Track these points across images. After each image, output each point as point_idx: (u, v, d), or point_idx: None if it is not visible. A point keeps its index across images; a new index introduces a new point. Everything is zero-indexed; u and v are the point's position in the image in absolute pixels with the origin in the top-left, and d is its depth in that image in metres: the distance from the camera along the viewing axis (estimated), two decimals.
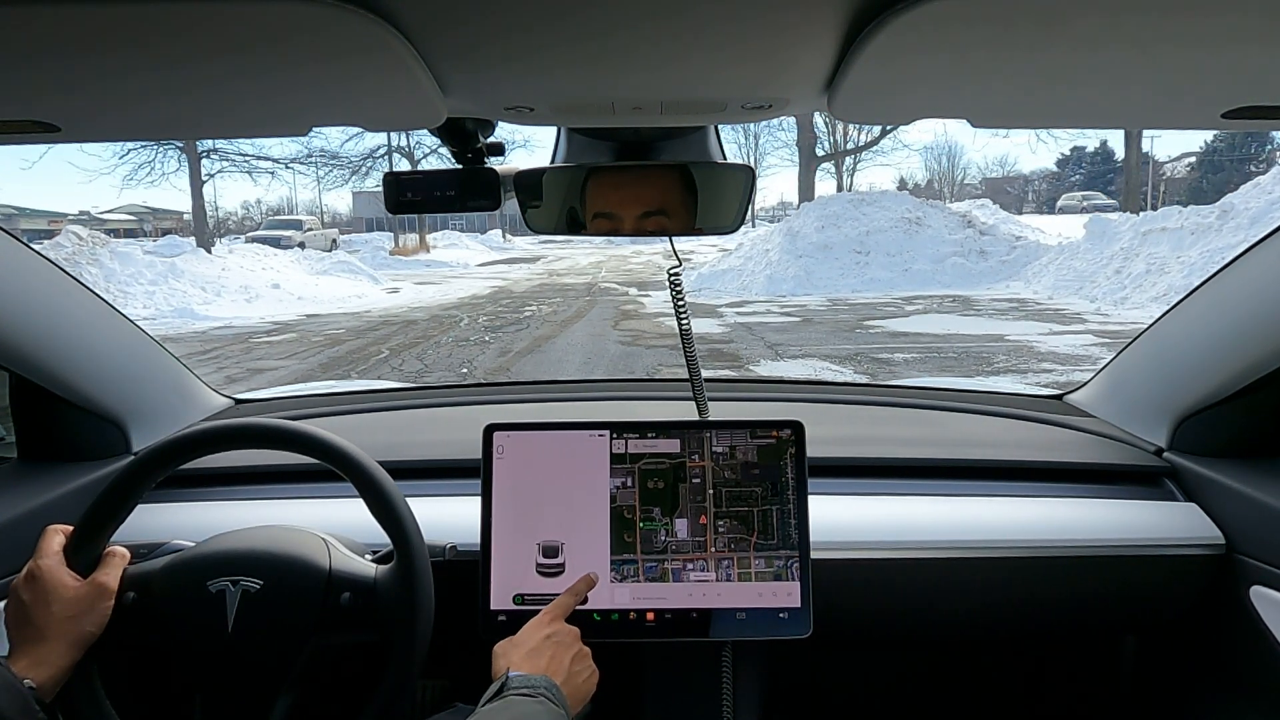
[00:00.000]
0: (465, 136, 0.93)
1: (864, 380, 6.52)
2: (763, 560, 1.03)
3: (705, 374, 1.23)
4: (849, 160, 31.99)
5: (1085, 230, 13.24)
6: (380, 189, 0.99)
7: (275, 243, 20.51)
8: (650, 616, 1.02)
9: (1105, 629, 1.31)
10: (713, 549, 1.03)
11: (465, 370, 7.46)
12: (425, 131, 0.83)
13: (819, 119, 22.13)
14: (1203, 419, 1.22)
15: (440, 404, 1.58)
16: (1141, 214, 13.47)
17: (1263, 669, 1.07)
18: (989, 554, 1.12)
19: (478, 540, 1.04)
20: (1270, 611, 1.06)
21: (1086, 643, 1.40)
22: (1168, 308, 1.28)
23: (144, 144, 21.04)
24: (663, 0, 0.50)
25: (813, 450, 1.07)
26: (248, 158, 23.24)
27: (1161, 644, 1.29)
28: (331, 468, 0.92)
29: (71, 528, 0.90)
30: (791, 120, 21.41)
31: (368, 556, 0.97)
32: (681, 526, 1.04)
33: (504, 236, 35.00)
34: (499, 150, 0.99)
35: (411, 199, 0.97)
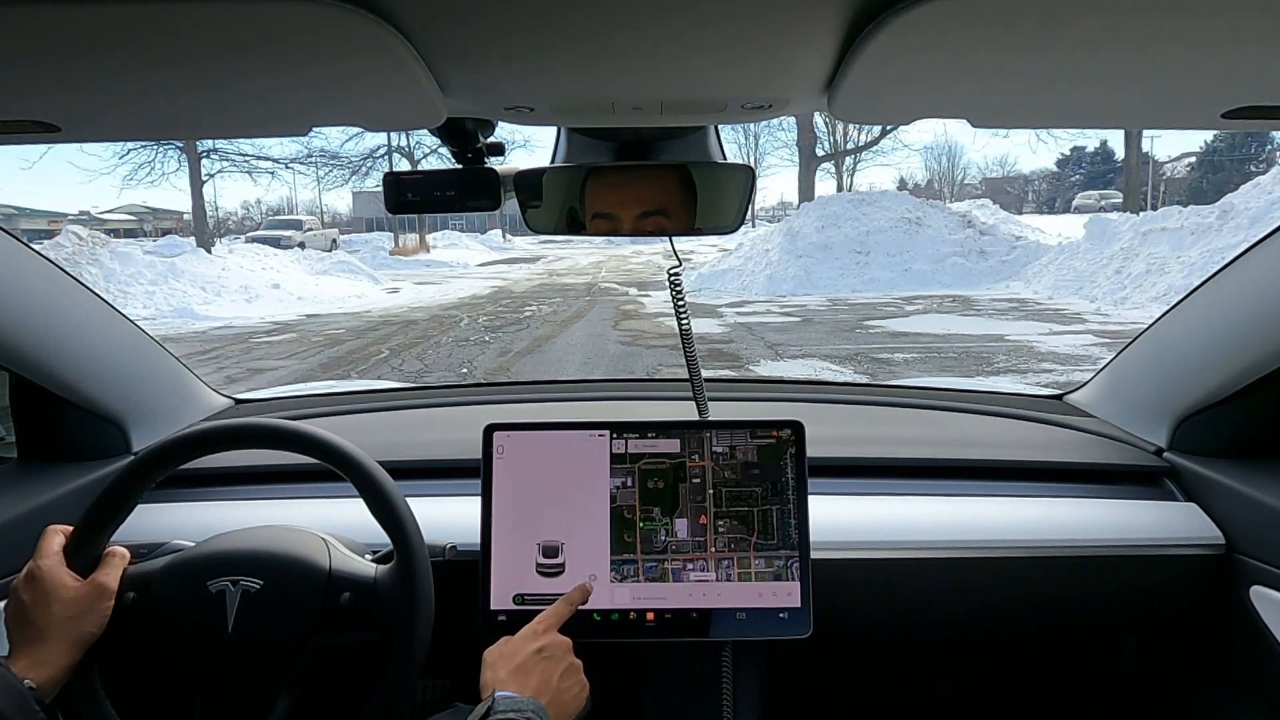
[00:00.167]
0: (465, 136, 0.93)
1: (864, 380, 6.52)
2: (763, 560, 1.03)
3: (705, 374, 1.23)
4: (849, 160, 32.00)
5: (1085, 230, 13.24)
6: (380, 189, 0.99)
7: (275, 243, 20.51)
8: (650, 616, 1.02)
9: (1105, 629, 1.31)
10: (713, 549, 1.03)
11: (465, 370, 7.46)
12: (425, 131, 0.83)
13: (819, 119, 22.15)
14: (1203, 419, 1.22)
15: (440, 404, 1.58)
16: (1141, 214, 13.47)
17: (1263, 669, 1.07)
18: (989, 554, 1.12)
19: (478, 540, 1.04)
20: (1270, 611, 1.06)
21: (1086, 643, 1.40)
22: (1168, 308, 1.28)
23: (144, 144, 21.04)
24: (663, 0, 0.50)
25: (813, 450, 1.07)
26: (248, 158, 23.25)
27: (1161, 644, 1.29)
28: (331, 468, 0.92)
29: (71, 528, 0.90)
30: (791, 120, 21.41)
31: (368, 556, 0.97)
32: (681, 526, 1.04)
33: (504, 236, 35.00)
34: (499, 150, 0.99)
35: (411, 199, 0.97)
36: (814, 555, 1.03)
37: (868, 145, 28.86)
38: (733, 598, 1.02)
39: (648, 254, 23.05)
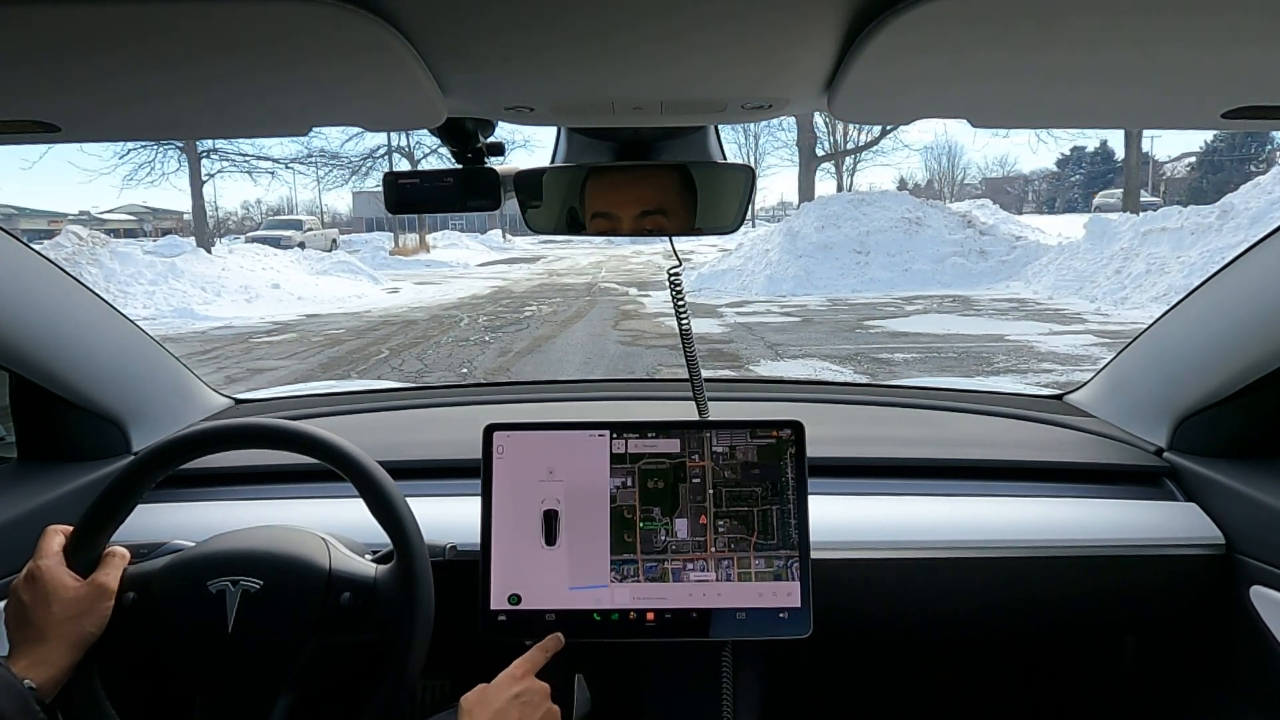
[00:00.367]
0: (465, 136, 0.93)
1: (864, 380, 6.52)
2: (763, 560, 1.03)
3: (705, 374, 1.23)
4: (849, 160, 32.01)
5: (1085, 230, 13.24)
6: (380, 189, 0.99)
7: (275, 243, 20.50)
8: (650, 616, 1.02)
9: (1105, 629, 1.31)
10: (713, 549, 1.03)
11: (465, 370, 7.46)
12: (425, 131, 0.83)
13: (819, 119, 22.15)
14: (1203, 419, 1.22)
15: (440, 404, 1.58)
16: (1141, 214, 13.47)
17: (1263, 669, 1.07)
18: (989, 554, 1.12)
19: (478, 540, 1.04)
20: (1270, 611, 1.06)
21: (1086, 643, 1.40)
22: (1168, 308, 1.28)
23: (144, 144, 21.04)
24: (662, 0, 0.50)
25: (813, 450, 1.07)
26: (248, 158, 23.26)
27: (1161, 644, 1.29)
28: (331, 468, 0.92)
29: (71, 528, 0.90)
30: (791, 120, 21.42)
31: (368, 556, 0.97)
32: (681, 526, 1.04)
33: (504, 236, 35.00)
34: (499, 150, 0.99)
35: (411, 199, 0.97)
36: (814, 555, 1.03)
37: (868, 145, 28.87)
38: (733, 598, 1.02)
39: (648, 254, 23.06)
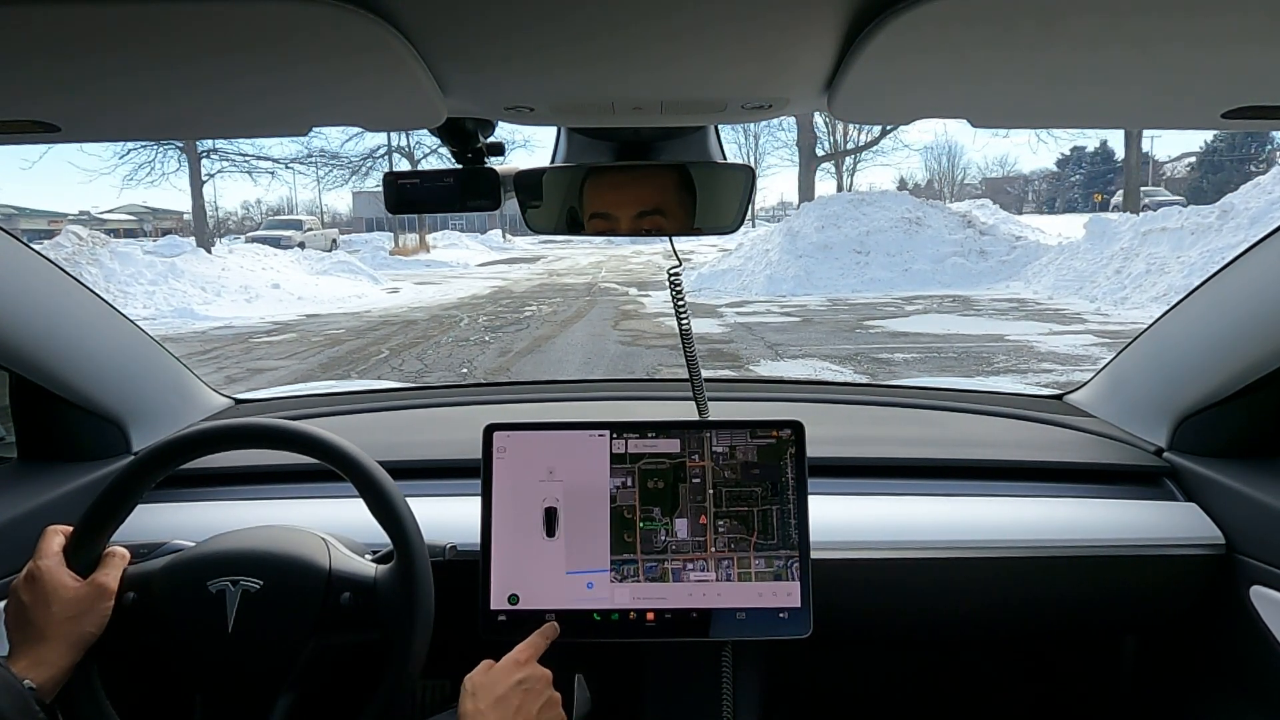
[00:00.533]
0: (465, 136, 0.93)
1: (864, 380, 6.52)
2: (763, 560, 1.03)
3: (705, 374, 1.23)
4: (849, 160, 32.02)
5: (1085, 230, 13.25)
6: (380, 189, 0.99)
7: (275, 243, 20.50)
8: (650, 616, 1.02)
9: (1105, 629, 1.31)
10: (713, 549, 1.03)
11: (465, 370, 7.46)
12: (425, 131, 0.83)
13: (819, 119, 22.15)
14: (1203, 419, 1.22)
15: (440, 404, 1.58)
16: (1141, 214, 13.47)
17: (1263, 669, 1.07)
18: (989, 554, 1.12)
19: (478, 540, 1.04)
20: (1270, 611, 1.06)
21: (1086, 643, 1.40)
22: (1168, 308, 1.28)
23: (144, 144, 21.04)
24: (663, 0, 0.50)
25: (813, 450, 1.07)
26: (248, 158, 23.26)
27: (1161, 644, 1.29)
28: (331, 468, 0.92)
29: (71, 528, 0.90)
30: (791, 120, 21.41)
31: (368, 556, 0.97)
32: (681, 526, 1.04)
33: (504, 236, 35.01)
34: (499, 150, 0.99)
35: (411, 199, 0.97)
36: (814, 555, 1.03)
37: (868, 145, 28.88)
38: (733, 598, 1.02)
39: (648, 254, 23.06)
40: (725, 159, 1.03)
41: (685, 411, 1.25)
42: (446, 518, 1.10)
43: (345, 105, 0.69)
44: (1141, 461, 1.27)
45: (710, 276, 14.57)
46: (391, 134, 24.10)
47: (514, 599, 1.02)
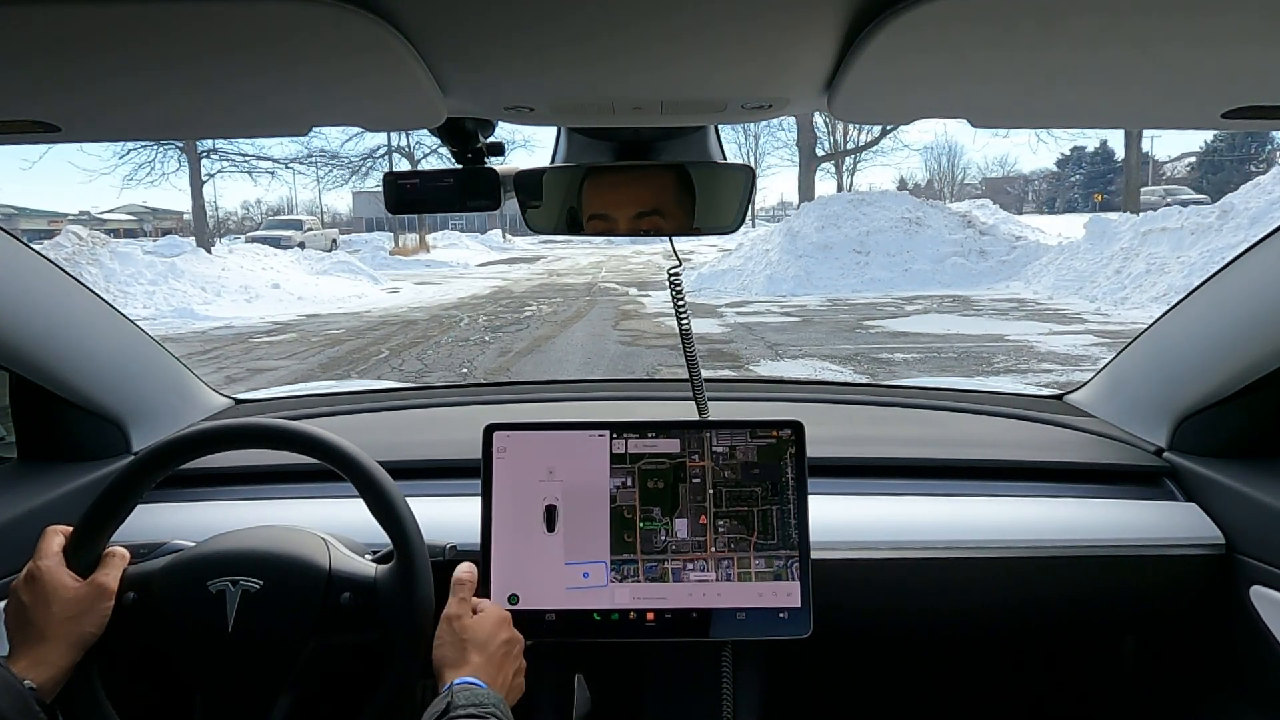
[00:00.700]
0: (465, 136, 0.93)
1: (864, 380, 6.52)
2: (763, 560, 1.03)
3: (705, 374, 1.23)
4: (849, 160, 32.03)
5: (1085, 230, 13.25)
6: (380, 189, 0.99)
7: (275, 243, 20.51)
8: (650, 616, 1.02)
9: (1105, 629, 1.31)
10: (713, 549, 1.03)
11: (465, 370, 7.46)
12: (425, 131, 0.83)
13: (819, 119, 22.16)
14: (1203, 419, 1.22)
15: (440, 404, 1.58)
16: (1141, 214, 13.47)
17: (1263, 669, 1.07)
18: (989, 554, 1.12)
19: (478, 540, 1.04)
20: (1270, 611, 1.06)
21: (1086, 643, 1.40)
22: (1168, 308, 1.28)
23: (144, 144, 21.05)
24: (663, 0, 0.50)
25: (813, 450, 1.07)
26: (248, 158, 23.27)
27: (1161, 644, 1.29)
28: (331, 468, 0.92)
29: (71, 528, 0.90)
30: (791, 120, 21.41)
31: (368, 556, 0.97)
32: (681, 526, 1.04)
33: (504, 236, 35.02)
34: (499, 150, 0.99)
35: (411, 199, 0.97)
36: (814, 555, 1.03)
37: (868, 145, 28.89)
38: (733, 598, 1.02)
39: (648, 254, 23.06)
40: (725, 159, 1.03)
41: (685, 411, 1.25)
42: (446, 518, 1.10)
43: (345, 105, 0.69)
44: (1141, 461, 1.27)
45: (710, 276, 14.57)
46: (391, 134, 24.12)
47: (514, 599, 1.02)
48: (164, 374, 1.39)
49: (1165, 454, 1.27)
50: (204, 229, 22.51)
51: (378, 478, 0.91)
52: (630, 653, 1.14)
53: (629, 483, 1.05)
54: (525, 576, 1.03)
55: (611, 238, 1.11)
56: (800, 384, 2.25)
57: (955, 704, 1.47)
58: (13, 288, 1.06)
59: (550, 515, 1.04)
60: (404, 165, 22.32)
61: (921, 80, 0.62)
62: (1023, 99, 0.68)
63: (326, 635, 0.89)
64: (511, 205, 1.02)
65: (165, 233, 29.43)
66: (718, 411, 1.22)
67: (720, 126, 1.02)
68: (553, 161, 1.02)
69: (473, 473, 1.07)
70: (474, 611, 0.91)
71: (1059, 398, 1.56)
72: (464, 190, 0.97)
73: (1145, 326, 1.33)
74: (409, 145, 25.27)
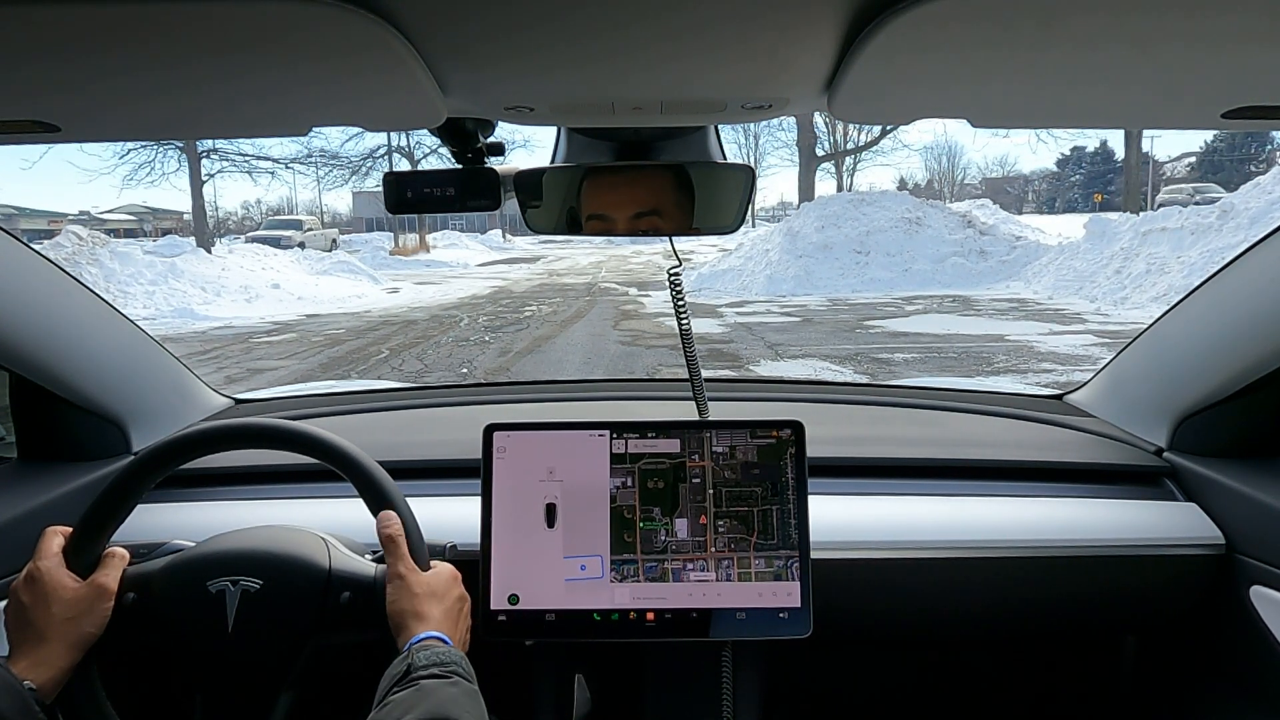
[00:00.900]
0: (465, 136, 0.93)
1: (864, 380, 6.52)
2: (763, 560, 1.03)
3: (705, 374, 1.23)
4: (849, 160, 32.05)
5: (1085, 230, 13.25)
6: (380, 189, 0.99)
7: (275, 243, 20.51)
8: (650, 616, 1.02)
9: (1105, 629, 1.31)
10: (713, 549, 1.03)
11: (465, 370, 7.46)
12: (425, 131, 0.83)
13: (819, 119, 22.17)
14: (1203, 419, 1.22)
15: (440, 404, 1.58)
16: (1141, 214, 13.47)
17: (1263, 669, 1.07)
18: (989, 554, 1.12)
19: (478, 540, 1.04)
20: (1270, 611, 1.06)
21: (1086, 643, 1.40)
22: (1168, 308, 1.28)
23: (144, 144, 21.05)
24: (663, 0, 0.49)
25: (813, 450, 1.07)
26: (248, 158, 23.28)
27: (1161, 644, 1.29)
28: (331, 468, 0.92)
29: (71, 529, 0.90)
30: (791, 120, 21.42)
31: (368, 556, 0.97)
32: (681, 526, 1.04)
33: (504, 236, 35.03)
34: (499, 150, 0.99)
35: (411, 199, 0.97)
36: (814, 555, 1.03)
37: (868, 145, 28.91)
38: (733, 598, 1.02)
39: (648, 254, 23.07)
40: (725, 159, 1.03)
41: (685, 411, 1.25)
42: (446, 518, 1.10)
43: (345, 105, 0.69)
44: (1141, 461, 1.27)
45: (710, 276, 14.57)
46: (391, 134, 24.12)
47: (514, 599, 1.02)
48: (164, 374, 1.39)
49: (1165, 454, 1.27)
50: (204, 229, 22.51)
51: (378, 478, 0.91)
52: (630, 653, 1.14)
53: (629, 483, 1.05)
54: (525, 576, 1.03)
55: (612, 238, 1.11)
56: (800, 384, 2.25)
57: (955, 704, 1.47)
58: (13, 288, 1.06)
59: (550, 512, 1.04)
60: (404, 165, 22.34)
61: (921, 80, 0.62)
62: (1023, 99, 0.68)
63: (326, 635, 0.89)
64: (511, 205, 1.02)
65: (165, 233, 29.45)
66: (718, 411, 1.22)
67: (720, 126, 1.02)
68: (553, 161, 1.02)
69: (473, 473, 1.07)
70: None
71: (1059, 398, 1.56)
72: (464, 190, 0.97)
73: (1145, 326, 1.33)
74: (409, 145, 25.30)
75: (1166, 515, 1.17)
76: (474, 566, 1.03)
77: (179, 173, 22.73)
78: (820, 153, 25.34)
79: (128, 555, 0.92)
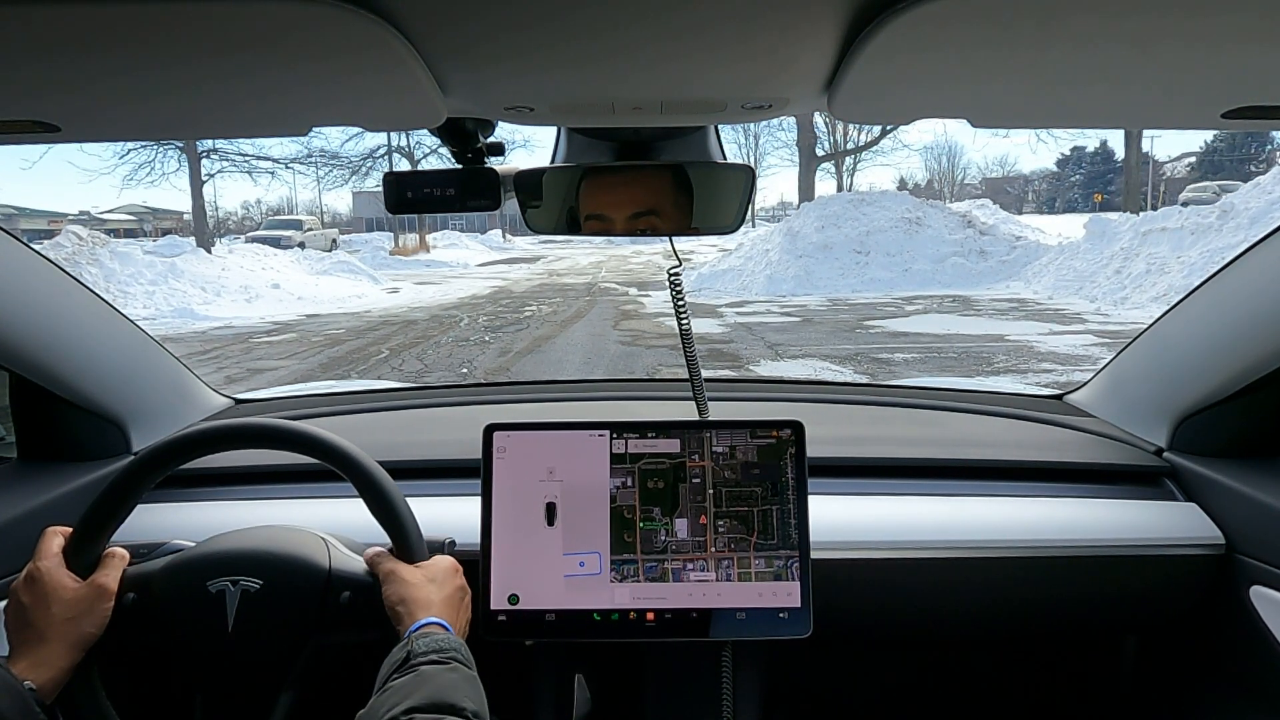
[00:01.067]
0: (465, 136, 0.93)
1: (864, 380, 6.52)
2: (763, 560, 1.03)
3: (705, 374, 1.23)
4: (849, 160, 32.05)
5: (1085, 230, 13.25)
6: (380, 189, 0.99)
7: (275, 243, 20.52)
8: (650, 616, 1.02)
9: (1105, 629, 1.31)
10: (713, 549, 1.03)
11: (465, 370, 7.46)
12: (425, 131, 0.83)
13: (819, 119, 22.16)
14: (1202, 419, 1.22)
15: (440, 404, 1.58)
16: (1141, 214, 13.47)
17: (1263, 669, 1.07)
18: (989, 554, 1.12)
19: (478, 540, 1.04)
20: (1270, 611, 1.06)
21: (1086, 643, 1.40)
22: (1168, 308, 1.28)
23: (144, 144, 21.05)
24: (663, 0, 0.49)
25: (813, 450, 1.07)
26: (248, 158, 23.28)
27: (1161, 644, 1.29)
28: (331, 468, 0.92)
29: (71, 529, 0.90)
30: (791, 120, 21.42)
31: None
32: (681, 526, 1.04)
33: (504, 236, 35.03)
34: (499, 150, 0.99)
35: (411, 199, 0.97)
36: (814, 555, 1.03)
37: (868, 145, 28.91)
38: (733, 598, 1.02)
39: (648, 254, 23.07)
40: (725, 159, 1.02)
41: (685, 411, 1.25)
42: (446, 518, 1.10)
43: (345, 105, 0.69)
44: (1141, 461, 1.27)
45: (710, 276, 14.57)
46: (391, 134, 24.13)
47: (514, 599, 1.02)
48: (164, 374, 1.39)
49: (1165, 454, 1.27)
50: (204, 229, 22.51)
51: (378, 478, 0.91)
52: (630, 653, 1.14)
53: (629, 483, 1.05)
54: (525, 577, 1.03)
55: (612, 238, 1.10)
56: (800, 384, 2.25)
57: (955, 704, 1.47)
58: (13, 288, 1.06)
59: (550, 511, 1.04)
60: (404, 165, 22.35)
61: (921, 80, 0.62)
62: (1023, 99, 0.68)
63: (326, 635, 0.89)
64: (511, 205, 1.02)
65: (165, 233, 29.46)
66: (718, 411, 1.22)
67: (720, 126, 1.02)
68: (552, 161, 1.02)
69: (473, 473, 1.07)
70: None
71: (1059, 398, 1.56)
72: (464, 190, 0.97)
73: (1145, 326, 1.33)
74: (409, 145, 25.30)
75: (1166, 515, 1.17)
76: (474, 566, 1.03)
77: (179, 173, 22.75)
78: (820, 153, 25.34)
79: (128, 555, 0.92)
